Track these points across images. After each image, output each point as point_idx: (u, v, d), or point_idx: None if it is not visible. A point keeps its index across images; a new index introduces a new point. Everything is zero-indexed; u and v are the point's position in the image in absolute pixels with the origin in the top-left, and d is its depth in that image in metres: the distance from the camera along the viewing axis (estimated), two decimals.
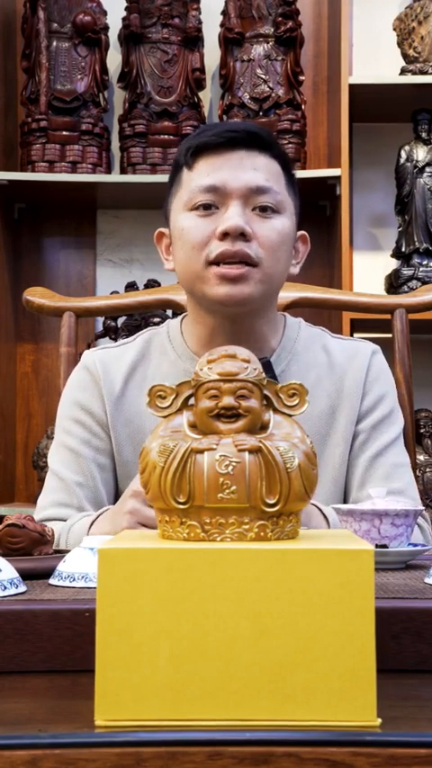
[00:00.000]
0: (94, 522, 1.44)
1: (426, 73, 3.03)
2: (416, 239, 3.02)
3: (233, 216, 1.49)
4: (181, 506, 0.77)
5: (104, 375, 1.62)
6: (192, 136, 1.58)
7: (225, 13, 3.12)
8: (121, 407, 1.61)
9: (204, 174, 1.52)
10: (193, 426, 0.80)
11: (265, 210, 1.52)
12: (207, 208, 1.51)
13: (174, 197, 1.58)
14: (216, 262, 1.49)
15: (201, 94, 3.18)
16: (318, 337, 1.68)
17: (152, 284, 3.03)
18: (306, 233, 1.64)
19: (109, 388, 1.61)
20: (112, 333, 3.11)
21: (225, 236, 1.49)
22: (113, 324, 3.13)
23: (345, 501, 1.62)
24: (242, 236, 1.48)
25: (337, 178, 2.94)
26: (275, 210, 1.53)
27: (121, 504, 1.36)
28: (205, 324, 1.58)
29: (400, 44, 3.12)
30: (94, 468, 1.59)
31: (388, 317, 1.91)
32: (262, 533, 0.77)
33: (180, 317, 1.69)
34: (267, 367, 1.54)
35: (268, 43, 3.10)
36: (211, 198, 1.51)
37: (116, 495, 1.61)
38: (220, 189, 1.51)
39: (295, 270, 1.62)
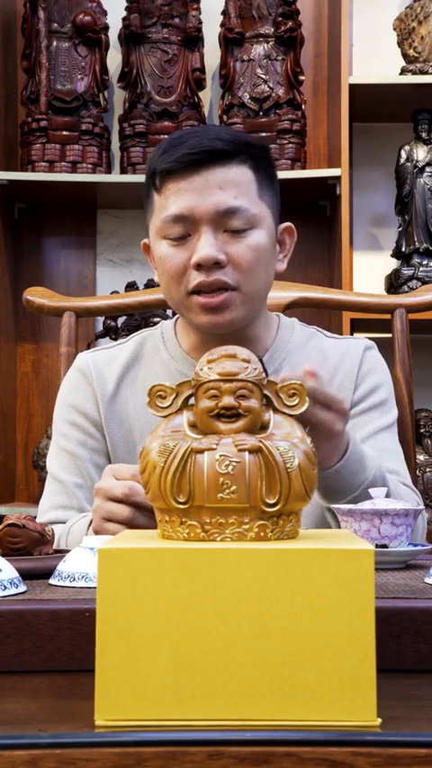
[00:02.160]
0: (92, 521, 1.44)
1: (426, 73, 3.03)
2: (416, 239, 3.02)
3: (204, 246, 1.47)
4: (181, 506, 0.77)
5: (97, 376, 1.63)
6: (157, 154, 1.54)
7: (225, 12, 3.12)
8: (115, 408, 1.61)
9: (171, 201, 1.50)
10: (193, 426, 0.80)
11: (237, 231, 1.50)
12: (179, 237, 1.50)
13: (149, 216, 1.57)
14: (195, 291, 1.49)
15: (201, 94, 3.18)
16: (312, 337, 1.68)
17: (152, 284, 3.03)
18: (291, 224, 1.62)
19: (102, 388, 1.62)
20: (113, 333, 3.11)
21: (199, 266, 1.48)
22: (113, 324, 3.13)
23: None
24: (216, 264, 1.47)
25: (337, 178, 2.94)
26: (249, 227, 1.50)
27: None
28: (196, 332, 1.59)
29: (400, 44, 3.12)
30: (92, 468, 1.60)
31: (388, 316, 1.91)
32: (262, 533, 0.77)
33: (174, 319, 1.69)
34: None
35: (268, 43, 3.10)
36: (181, 227, 1.50)
37: None
38: (189, 217, 1.49)
39: (282, 266, 1.60)
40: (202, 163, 1.49)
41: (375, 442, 1.59)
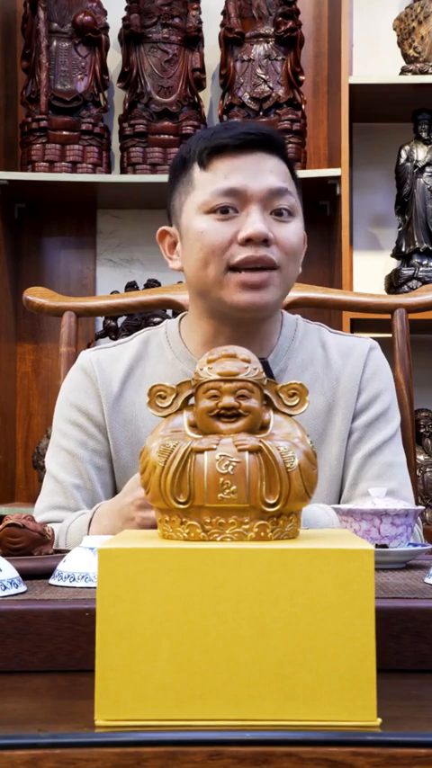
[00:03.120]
0: (91, 519, 1.44)
1: (426, 73, 3.03)
2: (416, 239, 3.02)
3: (256, 221, 1.49)
4: (181, 506, 0.77)
5: (101, 376, 1.61)
6: (204, 135, 1.56)
7: (225, 12, 3.12)
8: (119, 408, 1.60)
9: (222, 176, 1.51)
10: (193, 426, 0.80)
11: (281, 214, 1.52)
12: (225, 211, 1.50)
13: (184, 196, 1.56)
14: (237, 268, 1.49)
15: (201, 94, 3.18)
16: (315, 332, 1.67)
17: (152, 284, 3.03)
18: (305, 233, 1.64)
19: (106, 389, 1.61)
20: (113, 333, 3.11)
21: (248, 241, 1.48)
22: (113, 324, 3.13)
23: (340, 499, 1.61)
24: (264, 241, 1.49)
25: (337, 178, 2.94)
26: (291, 213, 1.54)
27: (123, 508, 1.36)
28: (208, 325, 1.57)
29: (400, 44, 3.12)
30: (92, 470, 1.59)
31: (388, 316, 1.91)
32: (262, 533, 0.77)
33: (178, 318, 1.68)
34: (264, 367, 1.54)
35: (268, 43, 3.10)
36: (231, 201, 1.50)
37: (114, 497, 1.61)
38: (241, 192, 1.50)
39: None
40: (257, 144, 1.52)
41: (378, 458, 1.59)
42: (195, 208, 1.53)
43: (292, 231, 1.53)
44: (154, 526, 1.28)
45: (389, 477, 1.57)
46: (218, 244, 1.49)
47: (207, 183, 1.52)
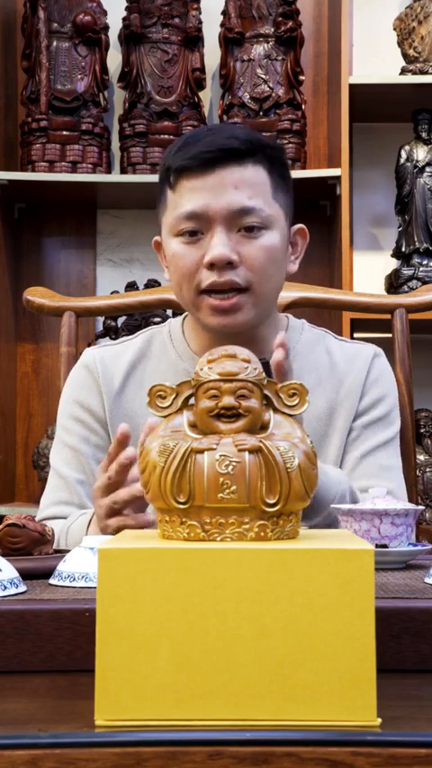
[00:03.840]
0: (91, 519, 1.44)
1: (426, 73, 3.03)
2: (416, 239, 3.02)
3: (217, 245, 1.47)
4: (181, 506, 0.77)
5: (103, 373, 1.62)
6: (172, 151, 1.53)
7: (225, 12, 3.12)
8: (120, 405, 1.61)
9: (185, 199, 1.49)
10: (193, 426, 0.80)
11: (251, 230, 1.49)
12: (192, 234, 1.50)
13: (162, 213, 1.57)
14: (207, 291, 1.49)
15: (201, 94, 3.18)
16: (320, 339, 1.67)
17: (152, 284, 3.03)
18: (304, 225, 1.62)
19: (108, 385, 1.62)
20: (113, 333, 3.11)
21: (212, 265, 1.47)
22: (114, 324, 3.13)
23: None
24: (229, 264, 1.47)
25: (337, 178, 2.94)
26: (262, 227, 1.50)
27: (99, 519, 1.35)
28: (205, 332, 1.58)
29: (400, 44, 3.11)
30: (94, 465, 1.59)
31: (388, 316, 1.91)
32: (262, 533, 0.77)
33: (182, 317, 1.68)
34: (265, 368, 1.54)
35: (268, 43, 3.10)
36: (194, 225, 1.49)
37: None
38: (202, 215, 1.48)
39: (294, 266, 1.61)
40: (217, 161, 1.48)
41: (373, 459, 1.59)
42: (167, 229, 1.54)
43: (261, 247, 1.49)
44: (130, 527, 1.28)
45: (383, 479, 1.58)
46: (187, 268, 1.50)
47: (174, 204, 1.52)
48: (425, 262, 3.00)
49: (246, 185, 1.49)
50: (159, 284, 2.93)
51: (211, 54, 3.17)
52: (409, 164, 3.04)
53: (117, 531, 1.27)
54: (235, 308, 1.49)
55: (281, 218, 1.54)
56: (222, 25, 3.13)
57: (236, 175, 1.49)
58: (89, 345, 2.91)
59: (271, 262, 1.51)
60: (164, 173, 1.54)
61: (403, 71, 3.06)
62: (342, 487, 1.44)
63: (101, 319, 3.17)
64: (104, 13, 3.16)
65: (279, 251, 1.53)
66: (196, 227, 1.49)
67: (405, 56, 3.10)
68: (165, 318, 2.94)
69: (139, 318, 3.09)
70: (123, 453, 1.27)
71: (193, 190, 1.49)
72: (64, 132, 3.07)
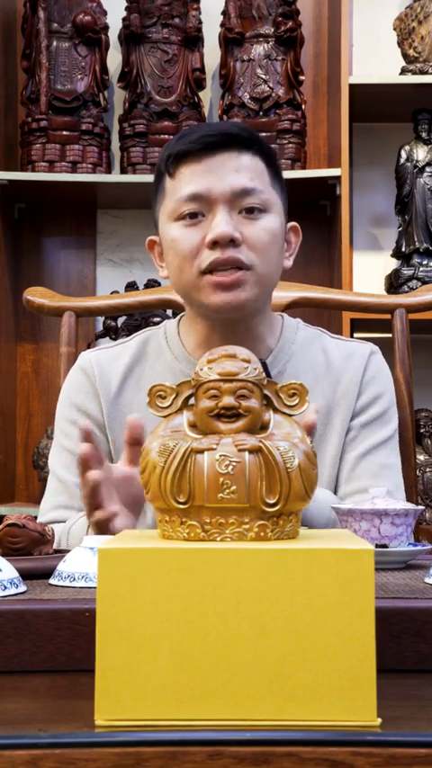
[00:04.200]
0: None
1: (426, 73, 3.03)
2: (416, 239, 3.02)
3: (220, 223, 1.48)
4: (181, 506, 0.77)
5: (100, 375, 1.62)
6: (171, 142, 1.57)
7: (225, 13, 3.12)
8: (118, 408, 1.61)
9: (186, 182, 1.51)
10: (193, 426, 0.80)
11: (251, 212, 1.51)
12: (193, 216, 1.51)
13: (160, 205, 1.58)
14: (209, 270, 1.49)
15: (201, 94, 3.18)
16: (316, 338, 1.67)
17: (152, 284, 3.03)
18: (297, 223, 1.63)
19: (105, 388, 1.62)
20: (113, 333, 3.11)
21: (215, 244, 1.48)
22: (113, 324, 3.13)
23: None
24: (231, 242, 1.48)
25: (337, 178, 2.94)
26: (262, 210, 1.52)
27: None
28: (202, 326, 1.58)
29: (400, 44, 3.11)
30: None
31: (388, 316, 1.91)
32: (262, 533, 0.77)
33: (177, 319, 1.69)
34: (264, 368, 1.54)
35: (268, 43, 3.10)
36: (196, 206, 1.50)
37: None
38: (204, 196, 1.50)
39: (288, 263, 1.61)
40: (219, 146, 1.51)
41: (372, 458, 1.59)
42: (167, 216, 1.54)
43: (262, 228, 1.51)
44: (105, 524, 1.27)
45: (382, 478, 1.58)
46: (188, 250, 1.50)
47: (174, 190, 1.53)
48: (425, 262, 3.00)
49: (246, 170, 1.52)
50: (159, 284, 2.93)
51: (211, 54, 3.18)
52: (409, 164, 3.04)
53: (101, 525, 1.27)
54: (237, 283, 1.49)
55: (279, 206, 1.56)
56: (222, 25, 3.13)
57: (236, 161, 1.52)
58: (89, 345, 2.92)
59: (272, 243, 1.52)
60: (162, 163, 1.56)
61: (403, 71, 3.06)
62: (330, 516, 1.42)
63: (101, 319, 3.17)
64: (104, 13, 3.16)
65: (278, 235, 1.55)
66: (198, 209, 1.50)
67: (405, 56, 3.10)
68: (165, 318, 2.94)
69: (138, 318, 3.09)
70: (89, 474, 1.26)
71: (194, 173, 1.51)
72: (64, 132, 3.07)
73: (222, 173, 1.50)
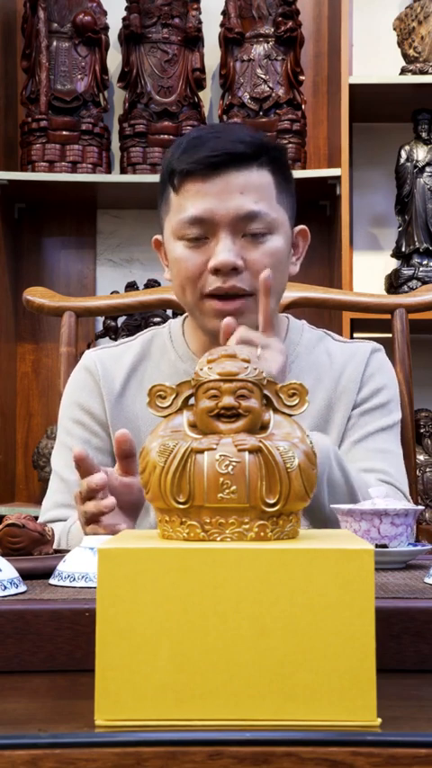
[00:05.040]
0: None
1: (426, 73, 3.03)
2: (416, 239, 3.02)
3: (222, 251, 1.47)
4: (181, 506, 0.77)
5: (104, 375, 1.62)
6: (176, 151, 1.52)
7: (225, 13, 3.12)
8: (121, 407, 1.61)
9: (190, 203, 1.49)
10: (193, 426, 0.80)
11: (256, 236, 1.49)
12: (196, 239, 1.49)
13: (164, 214, 1.56)
14: (211, 295, 1.49)
15: (201, 94, 3.18)
16: (320, 340, 1.67)
17: (152, 284, 3.03)
18: (305, 227, 1.62)
19: (109, 387, 1.61)
20: (113, 333, 3.11)
21: (217, 271, 1.47)
22: (113, 324, 3.13)
23: None
24: (234, 270, 1.47)
25: (337, 178, 2.94)
26: (267, 233, 1.50)
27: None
28: (206, 332, 1.58)
29: (400, 44, 3.11)
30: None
31: (388, 316, 1.91)
32: (262, 533, 0.77)
33: (182, 318, 1.68)
34: None
35: (268, 43, 3.10)
36: (199, 230, 1.49)
37: None
38: (207, 220, 1.48)
39: (295, 268, 1.61)
40: (223, 165, 1.48)
41: (372, 442, 1.59)
42: (171, 231, 1.53)
43: (266, 252, 1.49)
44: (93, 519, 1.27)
45: (377, 460, 1.56)
46: (191, 273, 1.49)
47: (178, 208, 1.51)
48: (425, 262, 3.00)
49: (251, 189, 1.49)
50: (159, 284, 2.93)
51: (211, 54, 3.17)
52: (409, 164, 3.04)
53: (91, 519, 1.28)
54: (239, 311, 1.48)
55: (285, 222, 1.54)
56: (222, 25, 3.13)
57: (241, 180, 1.48)
58: (89, 345, 2.92)
59: (275, 267, 1.50)
60: (167, 174, 1.53)
61: (403, 71, 3.06)
62: (327, 459, 1.41)
63: (101, 319, 3.17)
64: (104, 13, 3.16)
65: (283, 255, 1.54)
66: (201, 233, 1.49)
67: (405, 56, 3.10)
68: (165, 318, 2.94)
69: (139, 318, 3.09)
70: (93, 478, 1.26)
71: (197, 194, 1.48)
72: (64, 132, 3.07)
73: (226, 195, 1.48)
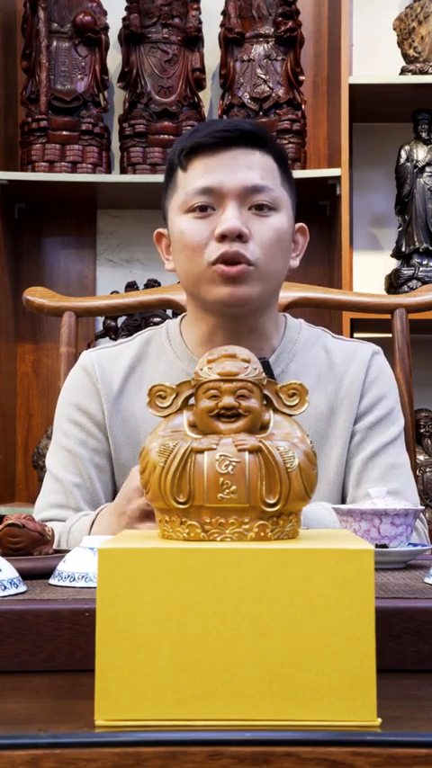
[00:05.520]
0: (94, 521, 1.44)
1: (426, 73, 3.03)
2: (416, 239, 3.02)
3: (230, 218, 1.49)
4: (181, 506, 0.77)
5: (102, 375, 1.62)
6: (184, 136, 1.58)
7: (225, 13, 3.12)
8: (119, 408, 1.61)
9: (199, 175, 1.52)
10: (193, 426, 0.80)
11: (261, 209, 1.52)
12: (203, 209, 1.52)
13: (170, 198, 1.58)
14: (215, 263, 1.50)
15: (201, 94, 3.18)
16: (318, 338, 1.67)
17: (152, 284, 3.03)
18: (305, 225, 1.64)
19: (106, 388, 1.61)
20: (112, 333, 3.11)
21: (223, 237, 1.49)
22: (113, 324, 3.13)
23: (342, 501, 1.61)
24: (239, 237, 1.49)
25: (337, 178, 2.94)
26: (272, 208, 1.53)
27: (124, 503, 1.35)
28: (206, 322, 1.58)
29: (400, 44, 3.12)
30: (92, 469, 1.59)
31: (388, 316, 1.91)
32: (262, 533, 0.77)
33: (179, 318, 1.69)
34: (265, 367, 1.54)
35: (268, 43, 3.10)
36: (207, 199, 1.52)
37: (113, 496, 1.61)
38: (216, 190, 1.51)
39: (295, 262, 1.62)
40: (233, 141, 1.52)
41: (381, 459, 1.59)
42: (177, 208, 1.55)
43: (270, 226, 1.52)
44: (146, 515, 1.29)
45: (392, 478, 1.58)
46: (197, 242, 1.51)
47: (186, 183, 1.54)
48: (425, 262, 3.00)
49: (258, 167, 1.53)
50: (159, 284, 2.93)
51: (211, 54, 3.18)
52: (409, 164, 3.04)
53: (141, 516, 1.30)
54: (242, 276, 1.50)
55: (288, 206, 1.57)
56: (222, 25, 3.13)
57: (248, 157, 1.53)
58: (89, 345, 2.92)
59: (278, 242, 1.53)
60: (175, 156, 1.57)
61: (403, 71, 3.06)
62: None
63: (101, 319, 3.17)
64: (104, 13, 3.16)
65: (286, 234, 1.56)
66: (208, 202, 1.52)
67: (405, 56, 3.10)
68: (165, 318, 2.93)
69: (138, 318, 3.09)
70: None
71: (207, 166, 1.52)
72: (64, 132, 3.07)
73: (235, 168, 1.52)
